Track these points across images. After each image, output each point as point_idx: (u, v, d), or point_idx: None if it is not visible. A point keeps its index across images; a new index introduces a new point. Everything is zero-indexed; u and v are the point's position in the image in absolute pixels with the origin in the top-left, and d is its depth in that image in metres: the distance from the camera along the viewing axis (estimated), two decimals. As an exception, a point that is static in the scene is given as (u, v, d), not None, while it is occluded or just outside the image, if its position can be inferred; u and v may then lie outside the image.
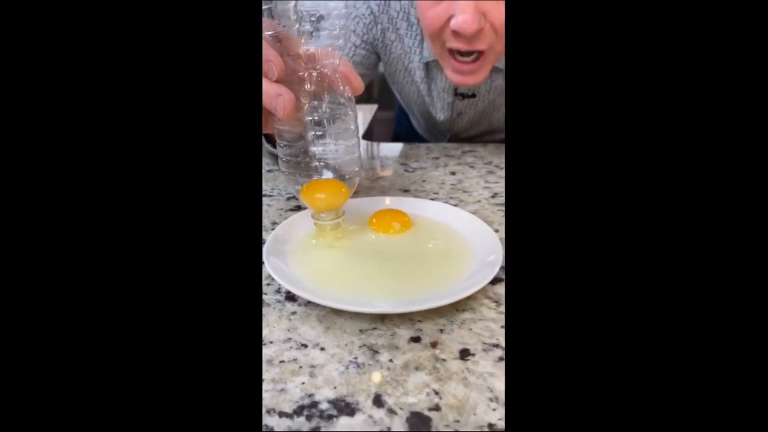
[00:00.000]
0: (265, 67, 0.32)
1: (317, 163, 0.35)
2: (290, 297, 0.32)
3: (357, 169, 0.36)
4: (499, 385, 0.24)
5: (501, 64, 0.62)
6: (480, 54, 0.53)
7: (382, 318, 0.29)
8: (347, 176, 0.36)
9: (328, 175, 0.35)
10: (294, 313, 0.30)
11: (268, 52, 0.32)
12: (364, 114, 1.16)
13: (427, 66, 0.67)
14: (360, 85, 0.35)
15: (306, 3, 0.33)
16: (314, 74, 0.34)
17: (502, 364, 0.25)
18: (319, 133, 0.34)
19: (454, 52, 0.53)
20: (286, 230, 0.38)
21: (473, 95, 0.69)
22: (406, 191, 0.52)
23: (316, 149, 0.34)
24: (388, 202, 0.44)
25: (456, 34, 0.50)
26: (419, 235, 0.39)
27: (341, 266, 0.34)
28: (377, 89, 2.41)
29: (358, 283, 0.32)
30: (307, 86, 0.34)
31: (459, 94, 0.69)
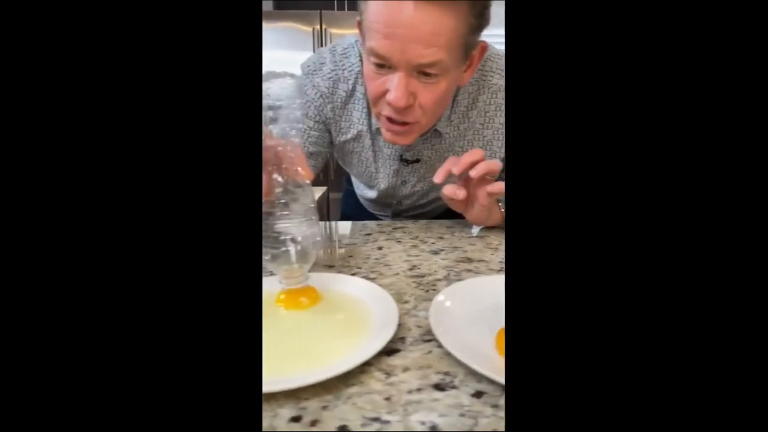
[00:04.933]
0: None
1: (284, 237, 0.38)
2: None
3: (317, 240, 0.40)
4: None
5: (441, 127, 0.67)
6: (407, 124, 0.58)
7: (266, 397, 0.28)
8: (308, 249, 0.39)
9: (291, 248, 0.38)
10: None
11: None
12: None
13: (376, 131, 0.71)
14: (310, 173, 0.40)
15: (271, 90, 0.38)
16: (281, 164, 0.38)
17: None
18: (285, 212, 0.38)
19: (387, 118, 0.59)
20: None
21: (417, 160, 0.73)
22: (331, 267, 0.52)
23: (282, 225, 0.38)
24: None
25: (389, 104, 0.56)
26: (327, 309, 0.39)
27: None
28: (333, 172, 2.50)
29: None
30: (276, 176, 0.38)
31: (404, 160, 0.73)
